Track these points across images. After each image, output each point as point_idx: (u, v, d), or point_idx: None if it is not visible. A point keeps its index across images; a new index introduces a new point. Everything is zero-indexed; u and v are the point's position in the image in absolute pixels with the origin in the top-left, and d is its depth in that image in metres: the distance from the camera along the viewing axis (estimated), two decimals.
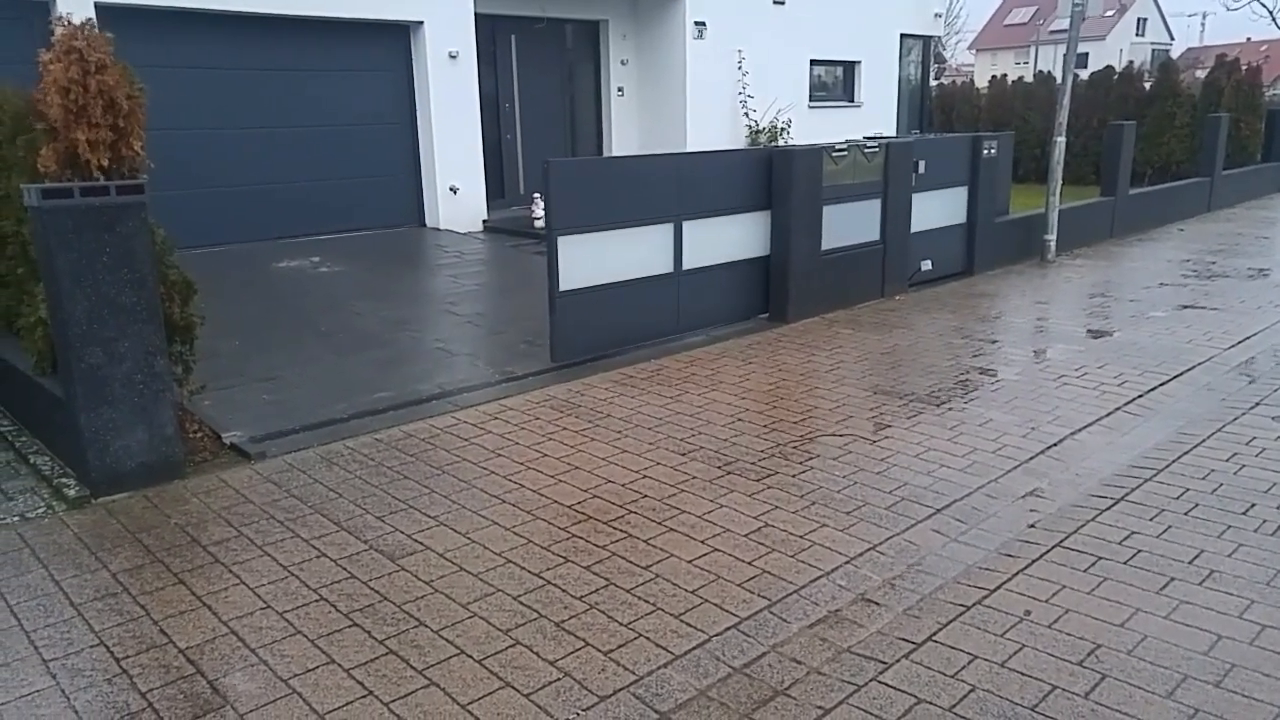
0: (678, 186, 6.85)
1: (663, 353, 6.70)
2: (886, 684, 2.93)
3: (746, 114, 14.50)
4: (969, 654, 3.08)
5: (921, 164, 8.55)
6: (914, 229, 8.61)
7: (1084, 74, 19.70)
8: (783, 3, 14.97)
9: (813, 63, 15.96)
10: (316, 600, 3.45)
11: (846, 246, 8.01)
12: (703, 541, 3.87)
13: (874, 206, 8.23)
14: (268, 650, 3.14)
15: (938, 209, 8.96)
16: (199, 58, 9.64)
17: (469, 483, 4.49)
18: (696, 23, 13.75)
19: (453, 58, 11.26)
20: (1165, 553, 3.73)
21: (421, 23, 11.00)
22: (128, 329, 4.31)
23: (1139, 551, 3.75)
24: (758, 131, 14.56)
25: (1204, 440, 4.94)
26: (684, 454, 4.83)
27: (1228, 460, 4.65)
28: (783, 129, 14.79)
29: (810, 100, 15.92)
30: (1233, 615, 3.28)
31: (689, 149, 12.81)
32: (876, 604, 3.40)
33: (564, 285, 6.24)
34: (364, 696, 2.90)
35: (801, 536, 3.90)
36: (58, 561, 3.77)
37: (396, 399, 5.61)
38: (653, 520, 4.07)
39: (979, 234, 9.44)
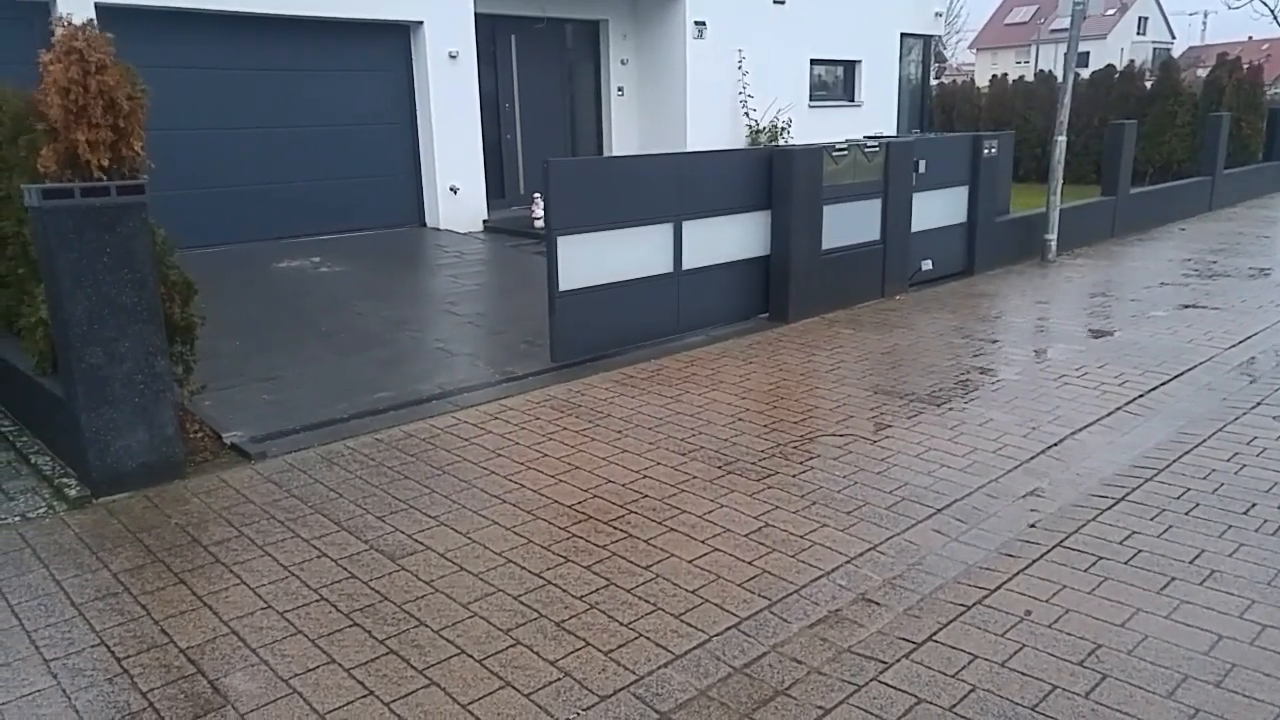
0: (678, 186, 6.85)
1: (663, 353, 6.70)
2: (887, 684, 2.94)
3: (747, 114, 14.49)
4: (969, 654, 3.08)
5: (922, 163, 8.54)
6: (914, 229, 8.60)
7: (1085, 73, 19.70)
8: (783, 2, 14.95)
9: (813, 62, 15.95)
10: (317, 600, 3.45)
11: (847, 246, 8.01)
12: (703, 541, 3.87)
13: (874, 206, 8.23)
14: (268, 650, 3.14)
15: (938, 208, 8.95)
16: (200, 58, 9.65)
17: (469, 483, 4.49)
18: (696, 22, 13.74)
19: (453, 58, 11.26)
20: (1166, 553, 3.73)
21: (421, 23, 11.01)
22: (128, 329, 4.31)
23: (1139, 551, 3.75)
24: (758, 131, 14.55)
25: (1205, 440, 4.94)
26: (684, 454, 4.83)
27: (1229, 460, 4.65)
28: (783, 129, 14.78)
29: (810, 100, 15.91)
30: (1233, 615, 3.28)
31: (689, 149, 12.81)
32: (877, 604, 3.40)
33: (564, 285, 6.24)
34: (364, 696, 2.90)
35: (802, 536, 3.90)
36: (59, 561, 3.78)
37: (397, 399, 5.61)
38: (653, 520, 4.07)
39: (979, 233, 9.44)
